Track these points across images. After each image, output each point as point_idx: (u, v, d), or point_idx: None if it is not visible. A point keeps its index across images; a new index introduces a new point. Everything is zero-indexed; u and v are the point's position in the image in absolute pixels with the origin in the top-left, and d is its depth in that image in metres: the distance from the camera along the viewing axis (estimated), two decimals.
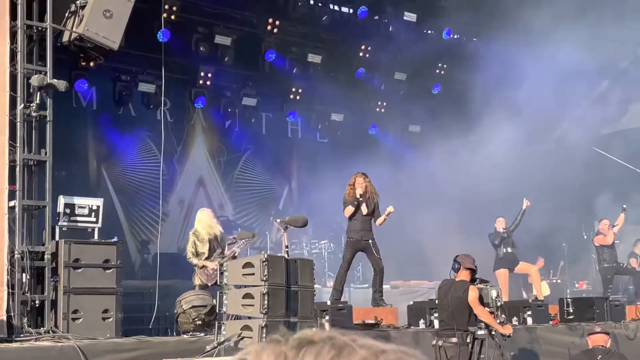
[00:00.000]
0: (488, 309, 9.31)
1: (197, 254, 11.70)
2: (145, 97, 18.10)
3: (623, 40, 19.20)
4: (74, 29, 9.87)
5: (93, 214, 10.25)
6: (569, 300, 13.55)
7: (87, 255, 9.49)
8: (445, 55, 21.60)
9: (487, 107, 20.42)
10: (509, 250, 15.99)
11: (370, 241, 12.73)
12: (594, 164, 20.04)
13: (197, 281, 11.60)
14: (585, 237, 21.32)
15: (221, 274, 8.75)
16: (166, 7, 16.60)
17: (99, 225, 10.39)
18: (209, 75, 18.82)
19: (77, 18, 9.91)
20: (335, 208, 18.45)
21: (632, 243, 18.83)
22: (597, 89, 20.86)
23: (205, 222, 12.08)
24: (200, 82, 18.85)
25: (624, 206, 16.92)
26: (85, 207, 10.21)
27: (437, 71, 21.93)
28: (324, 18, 19.09)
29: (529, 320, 12.42)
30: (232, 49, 18.37)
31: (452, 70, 21.71)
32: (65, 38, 10.11)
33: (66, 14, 10.04)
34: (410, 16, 19.96)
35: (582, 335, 12.40)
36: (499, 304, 9.51)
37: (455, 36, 21.50)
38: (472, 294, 9.16)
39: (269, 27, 18.70)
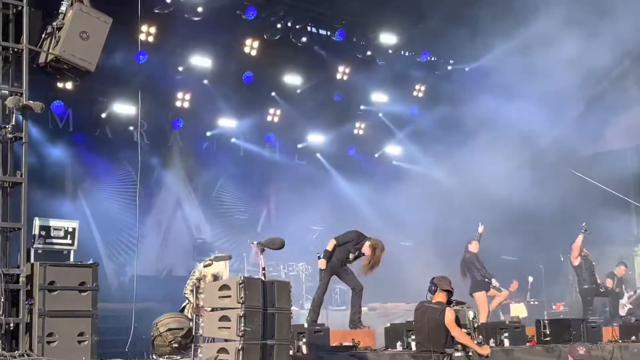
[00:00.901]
0: (465, 330, 9.31)
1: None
2: (122, 118, 18.03)
3: (600, 63, 19.41)
4: (50, 50, 9.82)
5: (69, 236, 10.14)
6: (546, 321, 13.57)
7: (63, 278, 9.37)
8: (422, 77, 21.74)
9: (466, 129, 20.57)
10: (479, 274, 16.05)
11: (345, 266, 12.80)
12: (572, 185, 20.19)
13: None
14: (562, 259, 21.40)
15: (197, 295, 8.68)
16: (143, 29, 16.59)
17: (75, 247, 10.28)
18: (187, 97, 18.80)
19: (53, 39, 9.85)
20: (311, 230, 18.53)
21: (614, 264, 18.89)
22: (574, 111, 21.03)
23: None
24: (177, 104, 18.83)
25: (583, 225, 16.93)
26: (60, 230, 10.10)
27: (415, 93, 22.04)
28: (302, 40, 19.14)
29: (506, 342, 12.42)
30: (210, 70, 18.39)
31: (430, 92, 21.85)
32: (41, 59, 10.04)
33: (43, 35, 9.99)
34: (387, 38, 20.08)
35: (559, 356, 12.43)
36: (475, 325, 9.52)
37: (433, 58, 21.65)
38: (449, 315, 9.17)
39: (247, 49, 18.72)
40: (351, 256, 12.88)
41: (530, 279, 20.85)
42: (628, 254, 21.00)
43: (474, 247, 16.28)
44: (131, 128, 17.88)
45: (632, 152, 21.81)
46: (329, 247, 12.67)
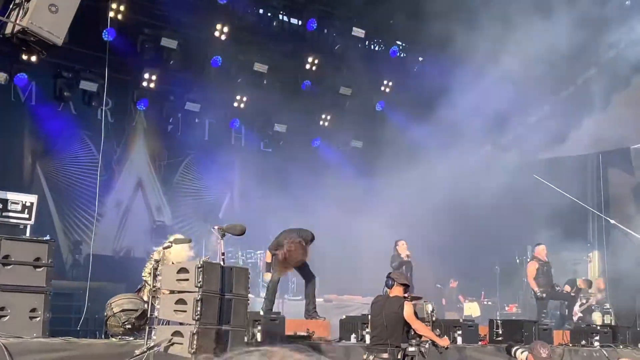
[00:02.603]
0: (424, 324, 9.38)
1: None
2: (87, 95, 17.82)
3: (565, 67, 19.61)
4: (17, 22, 9.65)
5: (26, 210, 10.02)
6: (499, 321, 13.72)
7: (18, 253, 9.24)
8: (391, 73, 21.79)
9: (430, 126, 20.66)
10: (409, 275, 16.24)
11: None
12: (531, 188, 20.37)
13: None
14: (517, 261, 21.63)
15: (154, 277, 8.62)
16: (113, 6, 16.41)
17: (32, 222, 10.17)
18: (153, 77, 18.63)
19: (21, 10, 9.68)
20: (274, 219, 18.47)
21: (570, 269, 19.13)
22: (538, 114, 21.23)
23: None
24: (144, 84, 18.64)
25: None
26: (18, 203, 9.98)
27: (382, 88, 22.08)
28: (272, 28, 19.06)
29: (459, 340, 12.54)
30: (178, 52, 18.22)
31: (397, 88, 21.91)
32: (8, 30, 9.87)
33: (10, 6, 9.82)
34: (358, 32, 20.09)
35: (511, 357, 12.56)
36: (434, 318, 9.61)
37: (402, 54, 21.71)
38: (408, 309, 9.22)
39: (216, 34, 18.59)
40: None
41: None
42: (582, 260, 21.27)
43: (401, 248, 16.58)
44: (95, 104, 17.65)
45: (592, 158, 22.04)
46: (268, 259, 12.71)
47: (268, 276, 12.84)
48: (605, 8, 18.85)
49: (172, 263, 10.67)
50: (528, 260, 18.99)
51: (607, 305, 19.37)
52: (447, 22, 18.41)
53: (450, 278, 21.71)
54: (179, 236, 11.67)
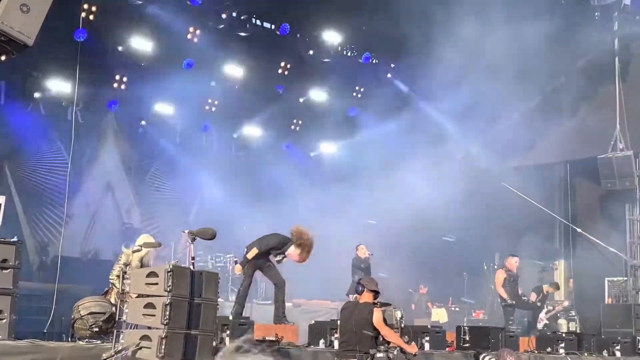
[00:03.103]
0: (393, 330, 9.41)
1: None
2: (57, 96, 17.68)
3: (534, 76, 19.80)
4: None
5: None
6: (466, 328, 13.79)
7: None
8: (362, 79, 21.88)
9: (401, 133, 20.80)
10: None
11: (268, 262, 12.75)
12: (499, 195, 20.55)
13: None
14: (485, 267, 21.79)
15: (123, 280, 8.58)
16: (85, 6, 16.31)
17: None
18: (125, 79, 18.54)
19: None
20: (244, 222, 18.48)
21: (536, 276, 19.28)
22: (507, 122, 21.40)
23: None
24: (115, 85, 18.54)
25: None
26: None
27: (355, 94, 22.16)
28: (245, 32, 19.06)
29: (427, 346, 12.59)
30: (150, 54, 18.15)
31: (369, 94, 22.01)
32: None
33: None
34: (331, 37, 20.15)
35: None
36: (402, 325, 9.65)
37: (375, 61, 21.81)
38: (377, 315, 9.26)
39: (189, 36, 18.55)
40: (277, 258, 12.81)
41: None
42: (549, 268, 21.48)
43: (361, 252, 16.72)
44: (66, 100, 17.50)
45: (560, 167, 22.26)
46: (250, 256, 12.49)
47: (239, 270, 12.68)
48: (574, 18, 19.09)
49: (140, 262, 10.69)
50: (496, 267, 19.15)
51: (573, 313, 19.59)
52: (419, 30, 18.55)
53: (420, 284, 21.82)
54: (147, 237, 11.65)
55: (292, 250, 12.40)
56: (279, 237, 12.63)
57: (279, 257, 12.69)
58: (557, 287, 19.16)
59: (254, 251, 12.45)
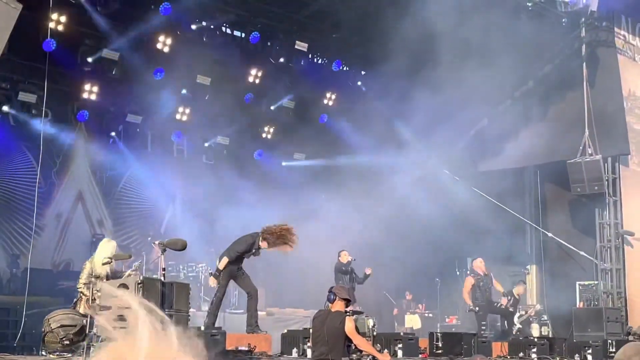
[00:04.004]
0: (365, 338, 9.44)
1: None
2: (26, 106, 17.54)
3: (502, 82, 19.97)
4: None
5: None
6: (439, 334, 13.85)
7: None
8: (333, 86, 21.94)
9: (373, 139, 20.87)
10: (352, 285, 16.42)
11: (241, 270, 12.81)
12: (470, 201, 20.67)
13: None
14: (457, 273, 21.91)
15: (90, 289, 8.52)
16: (54, 17, 16.20)
17: None
18: (94, 89, 18.42)
19: None
20: (216, 232, 18.43)
21: (509, 281, 19.39)
22: (476, 126, 21.54)
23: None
24: (85, 95, 18.41)
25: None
26: None
27: (326, 101, 22.21)
28: (216, 40, 19.04)
29: (399, 353, 12.63)
30: (119, 64, 18.04)
31: (340, 101, 22.07)
32: None
33: None
34: (301, 45, 20.18)
35: None
36: (374, 333, 9.67)
37: (345, 68, 21.88)
38: (349, 324, 9.27)
39: (159, 45, 18.49)
40: (251, 257, 12.90)
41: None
42: (520, 272, 21.62)
43: (344, 257, 16.75)
44: (34, 113, 17.37)
45: (530, 171, 22.43)
46: (221, 266, 12.57)
47: (213, 282, 12.75)
48: (542, 24, 19.28)
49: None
50: (468, 272, 19.26)
51: (545, 317, 19.74)
52: (389, 37, 18.63)
53: (404, 290, 21.92)
54: (107, 241, 11.61)
55: (263, 244, 12.50)
56: (245, 239, 12.75)
57: (254, 255, 12.76)
58: (524, 284, 19.27)
59: (224, 260, 12.52)
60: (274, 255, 15.68)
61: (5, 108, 17.45)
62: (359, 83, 22.27)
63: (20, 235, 17.98)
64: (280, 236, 12.47)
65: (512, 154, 21.30)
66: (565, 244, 20.74)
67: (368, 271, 17.10)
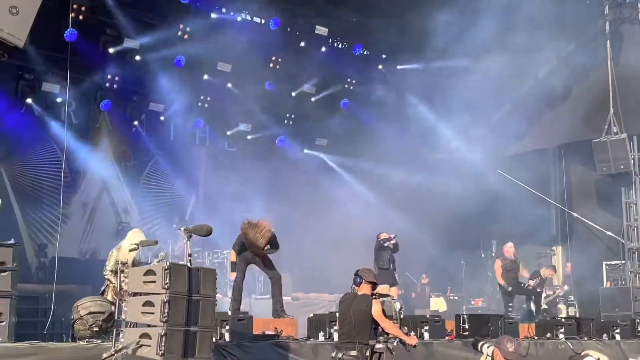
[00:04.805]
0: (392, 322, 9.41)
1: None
2: (49, 97, 17.66)
3: (526, 63, 19.82)
4: None
5: None
6: (465, 316, 13.82)
7: None
8: (354, 71, 21.87)
9: (396, 123, 20.81)
10: (391, 267, 16.22)
11: (257, 256, 12.84)
12: (495, 184, 20.57)
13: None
14: (482, 255, 21.85)
15: (118, 276, 8.57)
16: (75, 6, 16.27)
17: None
18: (116, 78, 18.52)
19: None
20: (240, 218, 18.46)
21: (534, 262, 19.29)
22: (499, 112, 21.41)
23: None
24: (107, 84, 18.52)
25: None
26: None
27: (347, 86, 22.15)
28: (235, 27, 19.03)
29: (426, 335, 12.62)
30: (140, 52, 18.11)
31: (361, 86, 22.00)
32: None
33: None
34: (321, 30, 20.13)
35: (477, 352, 12.67)
36: (401, 316, 9.64)
37: (365, 52, 21.79)
38: (376, 307, 9.24)
39: (179, 33, 18.53)
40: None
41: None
42: (546, 253, 21.53)
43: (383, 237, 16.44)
44: (58, 101, 17.47)
45: (554, 152, 22.27)
46: (231, 259, 12.80)
47: (234, 275, 12.91)
48: (565, 2, 19.09)
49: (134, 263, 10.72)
50: (494, 255, 19.19)
51: (572, 297, 19.66)
52: (408, 20, 18.56)
53: (422, 273, 21.86)
54: (137, 231, 11.69)
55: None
56: (239, 235, 12.80)
57: (256, 252, 12.79)
58: (554, 270, 19.20)
59: (232, 254, 12.82)
60: (297, 241, 15.81)
61: (29, 99, 17.56)
62: (380, 67, 22.16)
63: (48, 224, 18.13)
64: (248, 236, 12.51)
65: (536, 135, 21.15)
66: (591, 224, 20.58)
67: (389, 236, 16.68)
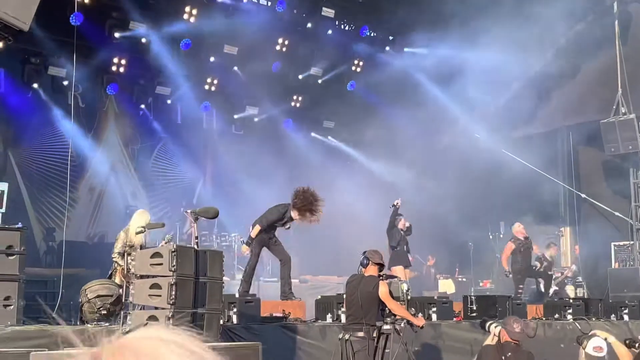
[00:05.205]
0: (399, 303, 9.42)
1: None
2: (56, 81, 17.67)
3: (535, 43, 19.68)
4: None
5: None
6: (473, 297, 13.83)
7: None
8: (361, 53, 21.78)
9: (402, 105, 20.73)
10: (404, 248, 16.27)
11: (274, 238, 12.82)
12: (503, 165, 20.50)
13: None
14: (490, 237, 21.81)
15: (125, 259, 8.59)
16: None
17: (3, 210, 10.12)
18: (123, 62, 18.50)
19: None
20: (247, 201, 18.48)
21: (542, 244, 19.27)
22: (508, 92, 21.31)
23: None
24: (114, 68, 18.50)
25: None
26: None
27: (354, 68, 22.08)
28: (242, 9, 18.96)
29: (434, 317, 12.63)
30: (147, 36, 18.07)
31: (368, 68, 21.92)
32: None
33: None
34: (328, 12, 20.05)
35: (485, 332, 12.68)
36: (409, 297, 9.65)
37: (372, 34, 21.70)
38: (383, 288, 9.25)
39: (185, 16, 18.48)
40: (286, 227, 12.94)
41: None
42: (554, 235, 21.47)
43: (400, 223, 16.48)
44: (65, 84, 17.46)
45: (562, 132, 22.17)
46: (254, 234, 12.58)
47: (246, 250, 12.81)
48: None
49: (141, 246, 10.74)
50: (502, 237, 19.14)
51: (580, 279, 19.63)
52: (416, 2, 18.45)
53: (428, 254, 21.86)
54: (143, 212, 11.72)
55: (294, 214, 12.50)
56: (277, 208, 12.75)
57: (287, 226, 12.82)
58: (555, 245, 19.12)
59: (257, 229, 12.55)
60: (304, 224, 15.70)
61: (35, 84, 17.56)
62: (387, 48, 22.07)
63: (56, 208, 18.18)
64: (305, 199, 12.45)
65: (544, 116, 21.04)
66: (600, 204, 20.51)
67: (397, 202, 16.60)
